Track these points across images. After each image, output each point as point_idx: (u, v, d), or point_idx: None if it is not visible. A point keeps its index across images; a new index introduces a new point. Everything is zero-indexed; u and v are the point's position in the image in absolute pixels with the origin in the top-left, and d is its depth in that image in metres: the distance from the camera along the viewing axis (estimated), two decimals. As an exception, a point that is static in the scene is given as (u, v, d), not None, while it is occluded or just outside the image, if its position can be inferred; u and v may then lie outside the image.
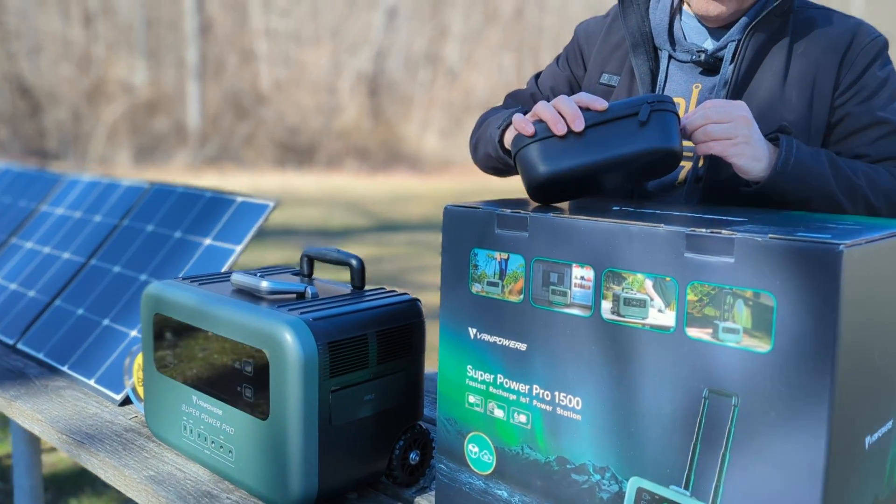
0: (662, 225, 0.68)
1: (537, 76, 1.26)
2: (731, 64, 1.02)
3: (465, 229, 0.83)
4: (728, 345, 0.64)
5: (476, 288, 0.83)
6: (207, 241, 1.41)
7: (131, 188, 1.73)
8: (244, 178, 16.09)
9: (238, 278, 0.96)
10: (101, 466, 1.03)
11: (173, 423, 1.00)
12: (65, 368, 1.36)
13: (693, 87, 1.06)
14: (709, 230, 0.65)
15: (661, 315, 0.68)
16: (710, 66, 1.05)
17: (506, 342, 0.81)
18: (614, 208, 0.84)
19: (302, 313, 0.86)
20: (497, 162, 1.13)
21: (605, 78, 1.14)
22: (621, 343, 0.71)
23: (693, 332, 0.66)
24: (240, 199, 1.45)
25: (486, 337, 0.82)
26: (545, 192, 0.85)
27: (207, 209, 1.49)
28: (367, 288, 1.01)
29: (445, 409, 0.88)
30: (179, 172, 16.69)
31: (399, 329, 0.93)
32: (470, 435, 0.85)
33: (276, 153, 17.64)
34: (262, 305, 0.90)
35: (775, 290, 0.61)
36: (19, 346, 1.49)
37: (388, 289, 1.01)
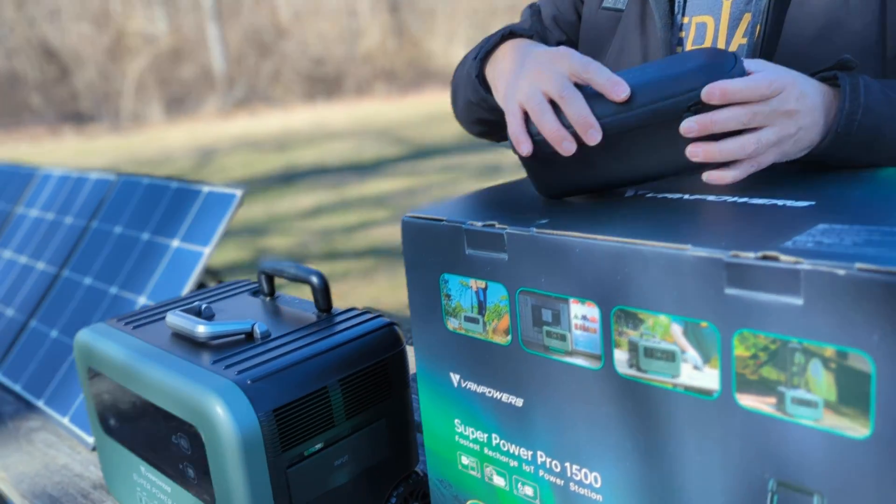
0: (690, 247, 0.46)
1: (532, 5, 1.00)
2: None
3: (429, 249, 0.62)
4: (802, 423, 0.43)
5: (452, 324, 0.63)
6: (175, 244, 1.23)
7: (99, 182, 1.56)
8: (275, 116, 15.92)
9: (174, 321, 0.78)
10: (63, 541, 0.89)
11: (129, 491, 0.84)
12: (40, 404, 1.22)
13: (724, 1, 0.81)
14: (758, 255, 0.43)
15: (698, 374, 0.47)
16: None
17: (497, 394, 0.61)
18: (628, 193, 0.62)
19: (240, 372, 0.68)
20: (482, 111, 0.87)
21: (608, 1, 0.89)
22: (646, 407, 0.51)
23: (747, 402, 0.45)
24: (206, 189, 1.27)
25: (472, 386, 0.63)
26: (557, 194, 0.64)
27: (174, 204, 1.31)
28: (336, 310, 0.82)
29: (437, 470, 0.69)
30: (211, 118, 16.59)
31: (371, 370, 0.74)
32: (469, 502, 0.67)
33: (303, 87, 17.31)
34: (196, 360, 0.72)
35: (872, 347, 0.40)
36: (-2, 376, 1.36)
37: (359, 309, 0.82)
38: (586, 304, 0.52)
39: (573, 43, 0.95)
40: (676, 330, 0.48)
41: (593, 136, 0.58)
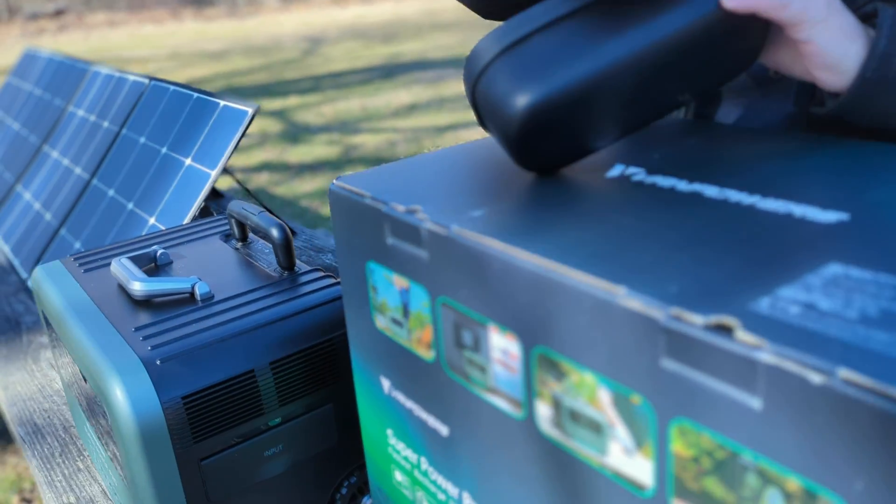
0: (624, 291, 0.32)
1: None
2: None
3: (354, 229, 0.50)
4: (751, 565, 0.30)
5: (380, 322, 0.51)
6: (188, 162, 1.16)
7: (135, 84, 1.49)
8: (387, 3, 15.61)
9: (117, 271, 0.70)
10: (34, 475, 0.86)
11: (86, 437, 0.80)
12: (56, 318, 1.21)
13: None
14: (708, 322, 0.29)
15: (628, 459, 0.34)
16: None
17: (424, 415, 0.50)
18: (611, 173, 0.47)
19: (154, 347, 0.59)
20: None
21: None
22: (572, 480, 0.38)
23: (685, 515, 0.32)
24: (222, 103, 1.17)
25: (401, 397, 0.52)
26: (533, 140, 0.46)
27: (192, 115, 1.23)
28: (300, 267, 0.72)
29: (375, 476, 0.59)
30: (325, 4, 16.46)
31: (317, 349, 0.64)
32: (404, 520, 0.57)
33: (417, -27, 16.75)
34: (121, 323, 0.64)
35: (853, 496, 0.26)
36: (28, 283, 1.36)
37: (322, 272, 0.71)
38: (506, 335, 0.39)
39: None
40: (604, 397, 0.34)
41: None
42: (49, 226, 1.43)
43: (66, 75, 1.87)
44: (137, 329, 0.62)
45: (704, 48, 0.46)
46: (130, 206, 1.22)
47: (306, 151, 4.73)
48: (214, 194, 1.64)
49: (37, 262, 1.38)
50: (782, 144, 0.49)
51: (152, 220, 1.15)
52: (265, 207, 1.30)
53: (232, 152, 1.09)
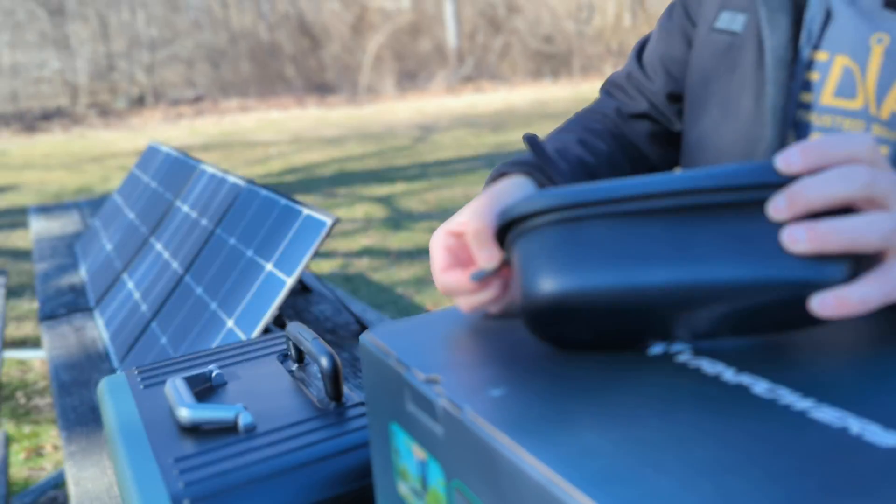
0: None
1: (641, 46, 0.80)
2: None
3: (381, 385, 0.48)
4: None
5: (402, 489, 0.48)
6: (269, 267, 1.18)
7: (233, 186, 1.56)
8: (499, 92, 16.06)
9: (170, 393, 0.70)
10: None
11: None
12: (135, 413, 1.24)
13: (873, 42, 0.56)
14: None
15: None
16: None
17: None
18: (654, 349, 0.43)
19: (188, 484, 0.58)
20: None
21: (723, 20, 0.66)
22: None
23: None
24: (305, 212, 1.20)
25: (420, 571, 0.48)
26: (550, 322, 0.42)
27: (278, 222, 1.26)
28: (348, 399, 0.70)
29: None
30: (439, 93, 17.11)
31: (352, 497, 0.61)
32: None
33: (530, 64, 17.23)
34: (163, 451, 0.63)
35: None
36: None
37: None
38: (515, 541, 0.35)
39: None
40: None
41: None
42: (143, 317, 1.49)
43: (179, 171, 1.99)
44: (178, 460, 0.62)
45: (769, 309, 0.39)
46: (214, 306, 1.26)
47: (407, 238, 4.82)
48: (303, 289, 1.67)
49: (128, 352, 1.44)
50: (853, 335, 0.43)
51: (231, 323, 1.17)
52: (345, 308, 1.30)
53: (310, 260, 1.10)
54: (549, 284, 0.40)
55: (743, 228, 0.37)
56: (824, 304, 0.35)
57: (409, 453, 0.45)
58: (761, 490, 0.29)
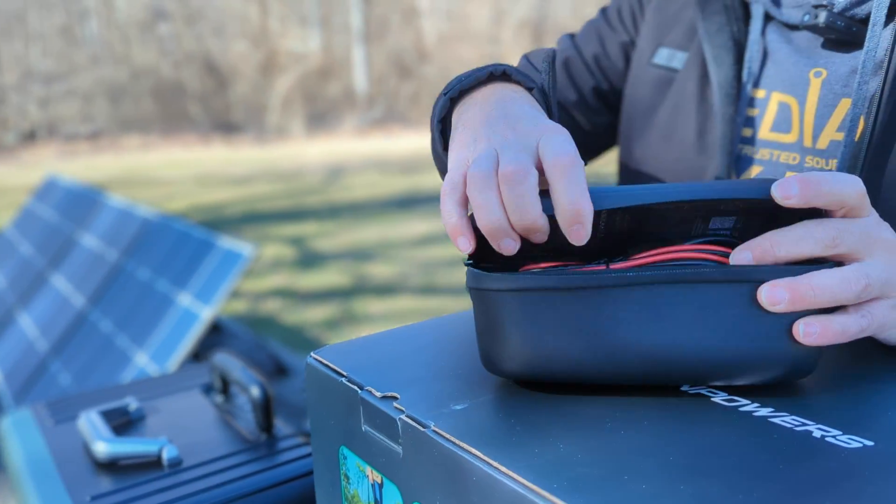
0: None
1: (572, 35, 0.79)
2: (888, 26, 0.55)
3: (329, 407, 0.46)
4: None
5: (350, 514, 0.46)
6: (185, 301, 1.13)
7: (144, 219, 1.50)
8: (408, 138, 16.22)
9: (84, 428, 0.66)
10: None
11: None
12: (32, 458, 1.15)
13: (811, 75, 0.59)
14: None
15: None
16: (843, 33, 0.57)
17: None
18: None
19: (106, 524, 0.54)
20: (442, 168, 0.60)
21: (661, 56, 0.69)
22: None
23: None
24: (222, 244, 1.16)
25: None
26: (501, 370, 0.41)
27: (195, 254, 1.22)
28: (279, 431, 0.67)
29: None
30: (348, 136, 17.13)
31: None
32: None
33: (439, 111, 17.50)
34: (76, 492, 0.58)
35: None
36: (12, 415, 1.31)
37: (303, 439, 0.66)
38: (484, 559, 0.34)
39: (615, 94, 0.74)
40: None
41: (540, 237, 0.40)
42: (43, 355, 1.40)
43: (81, 203, 1.90)
44: (94, 498, 0.57)
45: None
46: (124, 341, 1.19)
47: (318, 278, 4.75)
48: (214, 329, 1.61)
49: (23, 391, 1.34)
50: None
51: (144, 359, 1.11)
52: (260, 347, 1.26)
53: (229, 293, 1.06)
54: (512, 365, 0.39)
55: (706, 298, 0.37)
56: (809, 332, 0.37)
57: (362, 476, 0.43)
58: (737, 491, 0.29)
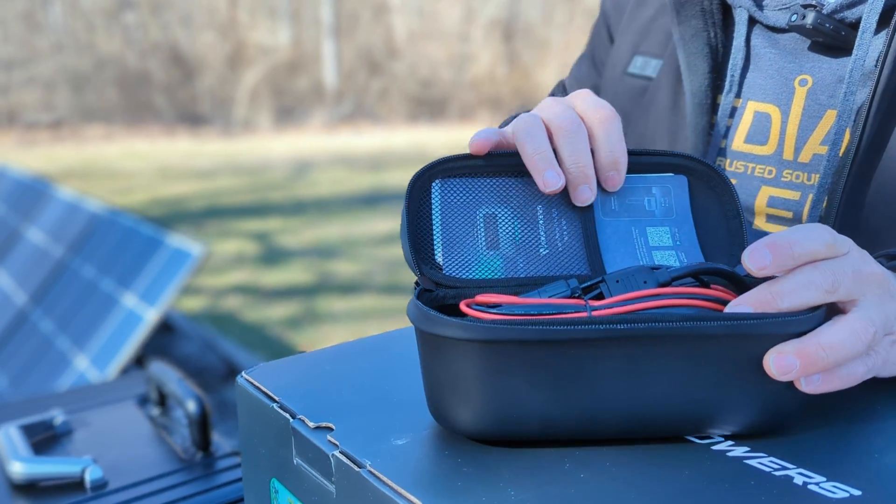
0: None
1: (560, 83, 0.79)
2: (879, 33, 0.52)
3: (260, 435, 0.42)
4: None
5: (282, 553, 0.41)
6: (130, 302, 1.08)
7: (92, 213, 1.43)
8: (377, 134, 16.15)
9: (1, 443, 0.60)
10: None
11: None
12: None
13: (796, 84, 0.56)
14: None
15: None
16: (831, 37, 0.53)
17: None
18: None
19: (16, 556, 0.49)
20: None
21: (636, 65, 0.66)
22: None
23: None
24: (172, 242, 1.11)
25: None
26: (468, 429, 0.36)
27: (142, 252, 1.16)
28: (218, 448, 0.63)
29: None
30: (316, 131, 16.99)
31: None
32: None
33: (408, 107, 17.46)
34: (-14, 518, 0.53)
35: None
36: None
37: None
38: None
39: None
40: None
41: (584, 194, 0.42)
42: (-22, 356, 1.33)
43: (27, 195, 1.82)
44: (4, 526, 0.52)
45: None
46: (65, 344, 1.13)
47: (281, 275, 4.67)
48: (166, 328, 1.55)
49: (-43, 396, 1.27)
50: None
51: (84, 362, 1.05)
52: (212, 348, 1.21)
53: (176, 294, 1.01)
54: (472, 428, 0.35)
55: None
56: (811, 380, 0.34)
57: (293, 513, 0.39)
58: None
